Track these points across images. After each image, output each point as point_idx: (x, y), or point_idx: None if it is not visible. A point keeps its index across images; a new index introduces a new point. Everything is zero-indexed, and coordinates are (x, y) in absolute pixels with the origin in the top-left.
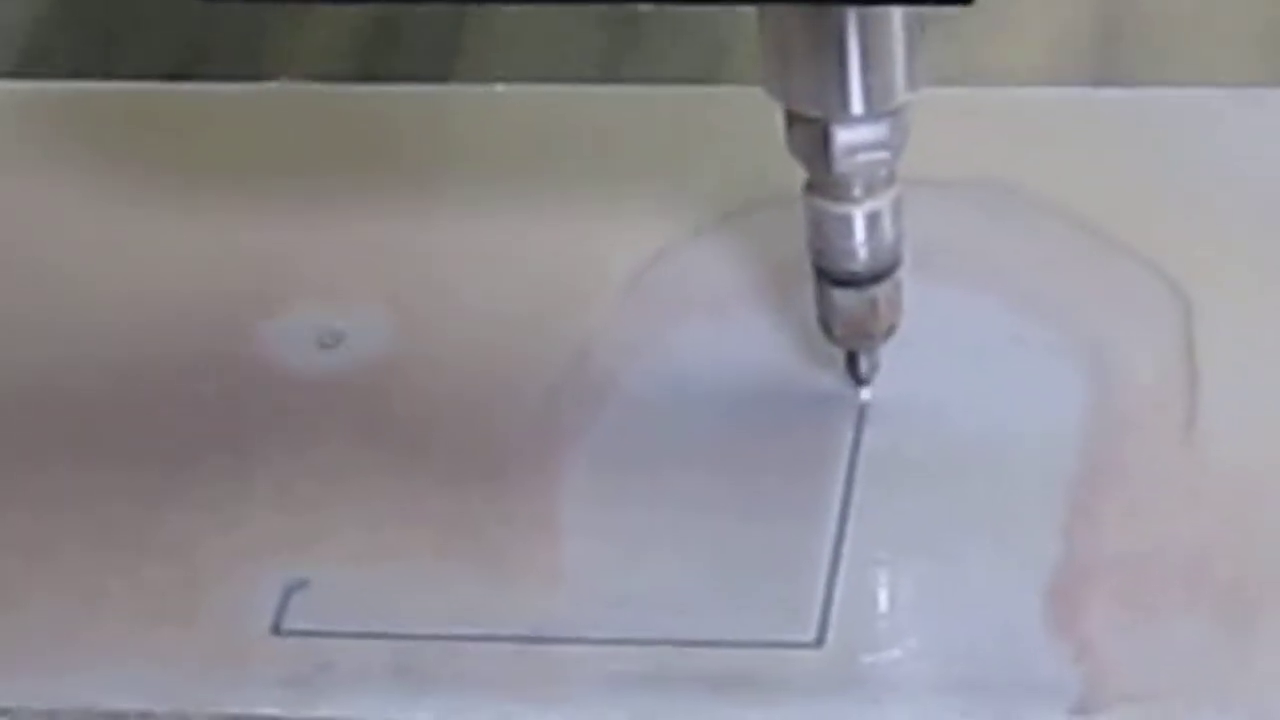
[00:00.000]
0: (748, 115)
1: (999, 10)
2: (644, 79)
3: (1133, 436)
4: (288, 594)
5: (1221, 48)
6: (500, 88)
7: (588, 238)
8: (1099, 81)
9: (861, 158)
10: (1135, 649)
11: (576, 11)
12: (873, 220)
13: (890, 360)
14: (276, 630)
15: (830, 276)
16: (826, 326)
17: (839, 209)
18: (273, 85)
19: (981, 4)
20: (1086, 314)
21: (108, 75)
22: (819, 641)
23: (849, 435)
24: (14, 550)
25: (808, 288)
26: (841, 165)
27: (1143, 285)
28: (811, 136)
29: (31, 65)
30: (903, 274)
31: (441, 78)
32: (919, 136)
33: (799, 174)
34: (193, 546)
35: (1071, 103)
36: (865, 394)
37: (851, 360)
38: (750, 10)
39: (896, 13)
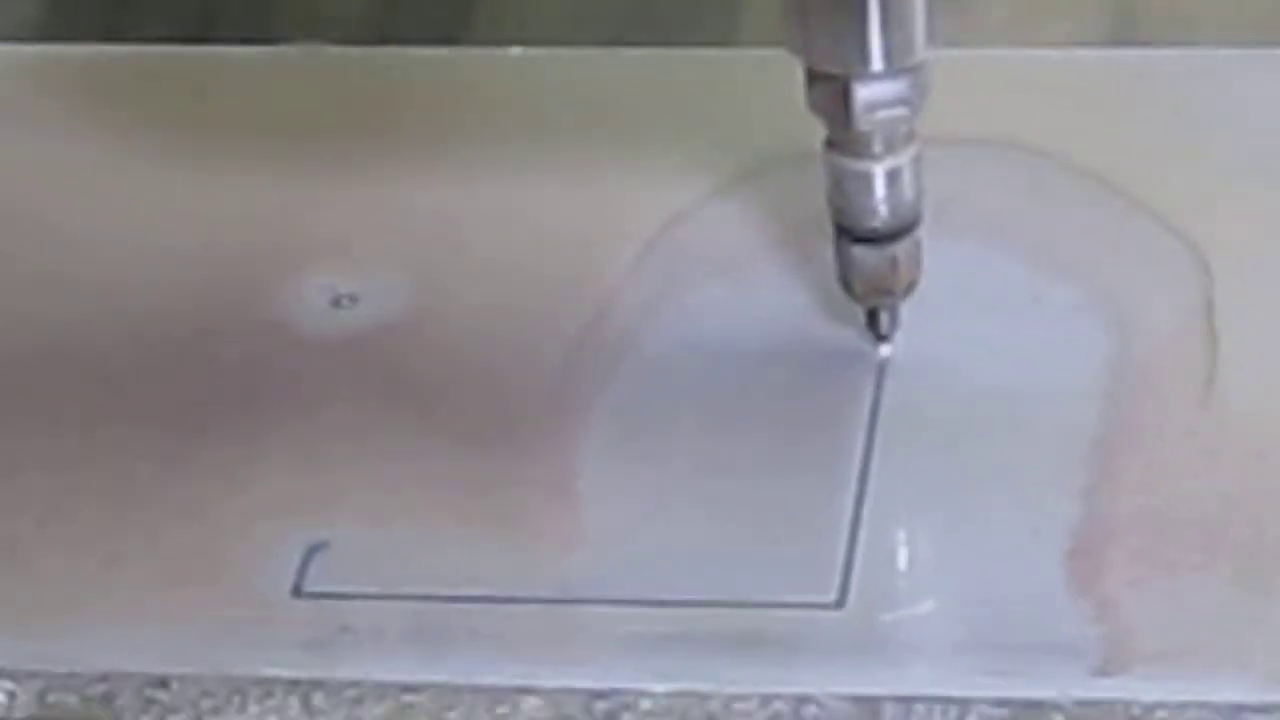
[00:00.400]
0: (764, 78)
1: None
2: (660, 43)
3: (1152, 395)
4: (308, 556)
5: (1240, 8)
6: (516, 50)
7: (605, 199)
8: (1117, 42)
9: (882, 114)
10: (1155, 608)
11: None
12: (893, 177)
13: (910, 318)
14: (297, 592)
15: (851, 234)
16: (847, 284)
17: (859, 166)
18: (288, 48)
19: None
20: (1106, 272)
21: (122, 38)
22: (839, 602)
23: (869, 394)
24: (31, 512)
25: (827, 246)
26: (862, 122)
27: (1162, 244)
28: (832, 93)
29: (48, 30)
30: (923, 232)
31: (455, 41)
32: (940, 98)
33: (815, 136)
34: (211, 508)
35: (1090, 64)
36: (885, 351)
37: (872, 317)
38: None
39: None
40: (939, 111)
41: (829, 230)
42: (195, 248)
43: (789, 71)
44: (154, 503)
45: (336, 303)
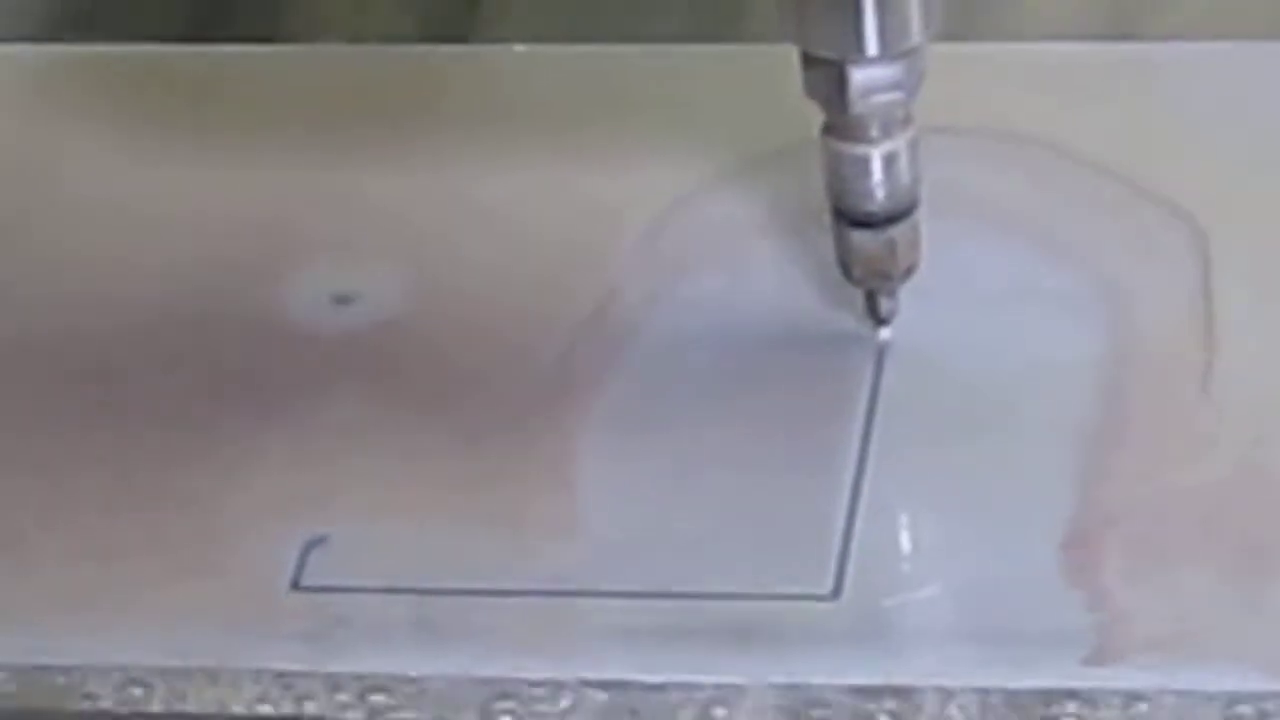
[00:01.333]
0: (761, 72)
1: None
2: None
3: (1149, 384)
4: (307, 550)
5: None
6: (519, 48)
7: (603, 193)
8: (1115, 36)
9: (877, 98)
10: (1150, 597)
11: None
12: (889, 161)
13: (908, 306)
14: (296, 586)
15: (848, 218)
16: (845, 268)
17: (856, 150)
18: (293, 47)
19: None
20: (1105, 261)
21: (127, 37)
22: (835, 593)
23: (867, 382)
24: (31, 509)
25: (826, 234)
26: (857, 106)
27: (1161, 232)
28: (827, 78)
29: (53, 30)
30: (920, 217)
31: (460, 39)
32: (940, 88)
33: (812, 126)
34: (211, 504)
35: (1089, 56)
36: (884, 336)
37: (871, 301)
38: None
39: None
40: (939, 101)
41: (827, 219)
42: (196, 246)
43: (786, 65)
44: (154, 499)
45: (336, 300)
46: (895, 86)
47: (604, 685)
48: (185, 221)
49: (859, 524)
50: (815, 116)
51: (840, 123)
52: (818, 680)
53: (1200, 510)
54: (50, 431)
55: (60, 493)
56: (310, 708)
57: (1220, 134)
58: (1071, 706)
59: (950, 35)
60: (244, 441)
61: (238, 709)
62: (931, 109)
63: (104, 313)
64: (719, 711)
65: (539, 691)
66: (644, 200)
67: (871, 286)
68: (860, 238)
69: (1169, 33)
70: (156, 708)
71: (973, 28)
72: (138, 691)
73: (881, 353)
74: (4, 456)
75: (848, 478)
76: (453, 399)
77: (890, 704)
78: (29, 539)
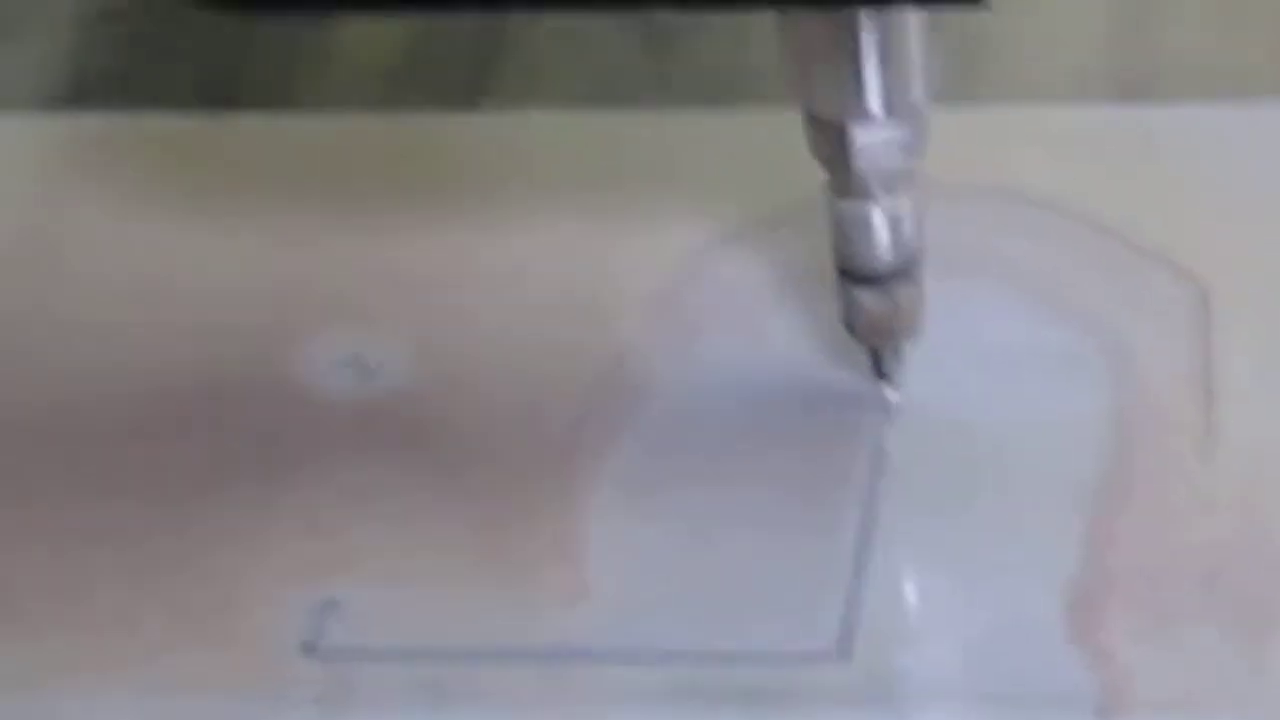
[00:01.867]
0: (766, 136)
1: (1016, 27)
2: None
3: (1151, 444)
4: (320, 614)
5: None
6: (531, 115)
7: (613, 257)
8: (1120, 99)
9: (879, 157)
10: (1154, 657)
11: (604, 42)
12: (892, 219)
13: (914, 365)
14: (308, 650)
15: (853, 275)
16: (851, 325)
17: (859, 208)
18: (307, 115)
19: (999, 21)
20: (1108, 319)
21: (143, 105)
22: (843, 654)
23: (873, 443)
24: (49, 577)
25: (833, 293)
26: (859, 165)
27: (1164, 292)
28: (830, 137)
29: (72, 98)
30: (924, 275)
31: (470, 106)
32: (946, 149)
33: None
34: (224, 569)
35: (1090, 118)
36: (890, 399)
37: (876, 359)
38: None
39: (912, 14)
40: (944, 161)
41: (834, 277)
42: (212, 312)
43: (793, 128)
44: (169, 566)
45: (349, 367)
46: (897, 145)
47: None
48: (198, 288)
49: (867, 584)
50: (821, 176)
51: (844, 181)
52: None
53: (1202, 569)
54: (63, 498)
55: (72, 559)
56: None
57: (1222, 195)
58: None
59: (953, 97)
60: (255, 507)
61: None
62: (937, 169)
63: (119, 379)
64: None
65: None
66: (654, 261)
67: (876, 344)
68: (865, 295)
69: (1170, 95)
70: None
71: (976, 90)
72: None
73: (888, 412)
74: (17, 524)
75: (854, 537)
76: (464, 463)
77: None
78: (40, 605)
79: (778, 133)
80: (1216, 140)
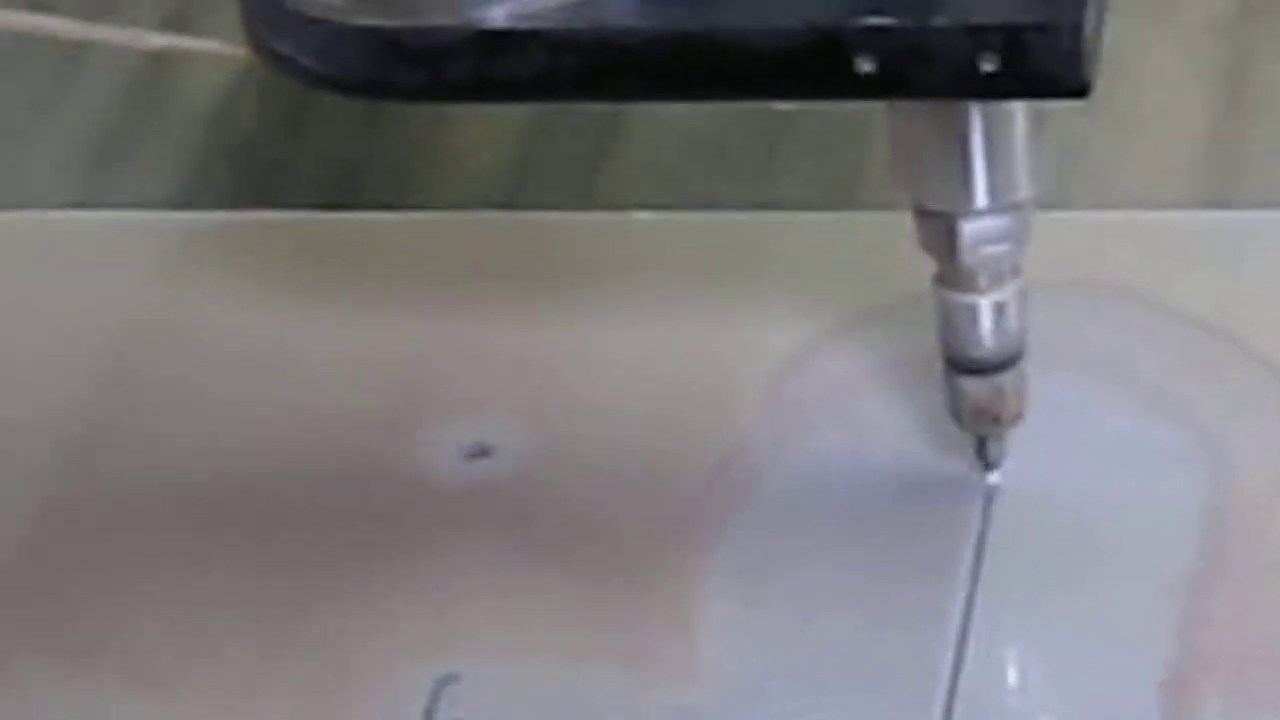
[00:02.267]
0: (872, 235)
1: (1120, 131)
2: (780, 206)
3: (1244, 536)
4: (438, 688)
5: None
6: (643, 215)
7: (725, 349)
8: (1220, 204)
9: (986, 250)
10: None
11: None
12: (998, 310)
13: (1017, 453)
14: None
15: (959, 365)
16: (956, 414)
17: (966, 299)
18: (427, 214)
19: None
20: (1205, 414)
21: (266, 204)
22: None
23: (976, 528)
24: (176, 646)
25: (938, 384)
26: (967, 257)
27: (1259, 389)
28: (939, 230)
29: (198, 197)
30: (1027, 366)
31: (583, 207)
32: (1049, 248)
33: (924, 282)
34: (346, 640)
35: (1186, 221)
36: (993, 482)
37: (981, 446)
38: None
39: (1018, 109)
40: (1046, 261)
41: (939, 369)
42: (335, 399)
43: (899, 228)
44: (292, 639)
45: (469, 452)
46: (1004, 238)
47: None
48: (325, 376)
49: (966, 669)
50: (927, 273)
51: (951, 273)
52: None
53: None
54: (199, 571)
55: (203, 633)
56: None
57: None
58: None
59: (1053, 201)
60: (377, 584)
61: None
62: (1039, 269)
63: (249, 460)
64: None
65: None
66: (766, 354)
67: (981, 432)
68: (970, 384)
69: (1259, 200)
70: None
71: (1075, 194)
72: None
73: (990, 499)
74: (158, 592)
75: (956, 622)
76: (580, 543)
77: None
78: (171, 674)
79: (879, 233)
80: None
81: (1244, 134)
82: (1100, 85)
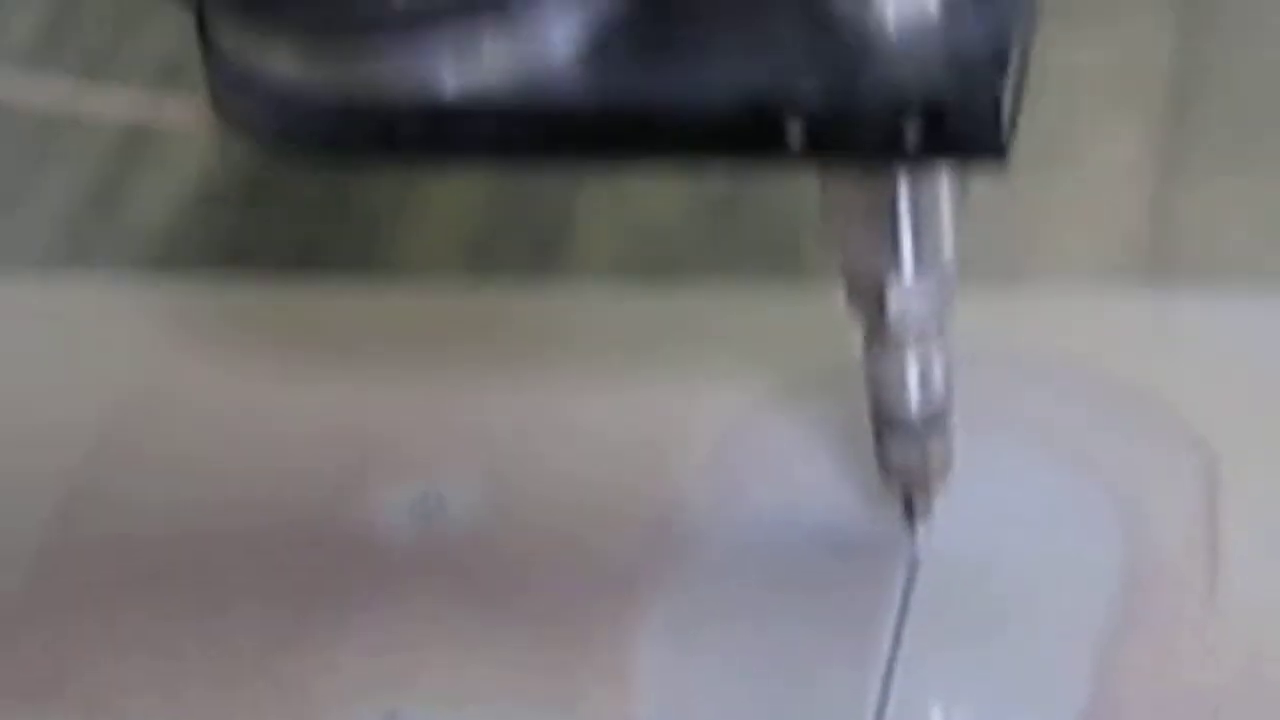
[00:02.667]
0: (811, 304)
1: (1042, 206)
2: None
3: (1158, 595)
4: None
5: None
6: (596, 286)
7: (668, 414)
8: (1148, 274)
9: (913, 310)
10: None
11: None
12: (924, 367)
13: (940, 513)
14: None
15: (887, 421)
16: (885, 468)
17: (893, 357)
18: (384, 285)
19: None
20: (1124, 475)
21: (234, 271)
22: None
23: (900, 588)
24: (147, 689)
25: (868, 448)
26: (894, 318)
27: (1178, 451)
28: (867, 291)
29: (164, 265)
30: (952, 425)
31: (545, 268)
32: (975, 321)
33: (857, 350)
34: (299, 679)
35: (1117, 296)
36: (917, 543)
37: (906, 501)
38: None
39: (943, 178)
40: (977, 333)
41: (869, 428)
42: (296, 462)
43: (832, 298)
44: (253, 677)
45: (420, 509)
46: (929, 298)
47: None
48: (286, 437)
49: (889, 715)
50: (859, 342)
51: (878, 332)
52: None
53: (1204, 712)
54: (168, 617)
55: (172, 676)
56: None
57: (1235, 372)
58: None
59: (983, 273)
60: (329, 630)
61: None
62: (968, 342)
63: (210, 516)
64: None
65: None
66: (709, 419)
67: (907, 489)
68: (897, 440)
69: (1196, 276)
70: None
71: (1007, 267)
72: None
73: (915, 557)
74: (130, 637)
75: (880, 672)
76: (522, 595)
77: None
78: (137, 703)
79: (819, 302)
80: (1233, 323)
81: (1177, 207)
82: (1030, 158)
